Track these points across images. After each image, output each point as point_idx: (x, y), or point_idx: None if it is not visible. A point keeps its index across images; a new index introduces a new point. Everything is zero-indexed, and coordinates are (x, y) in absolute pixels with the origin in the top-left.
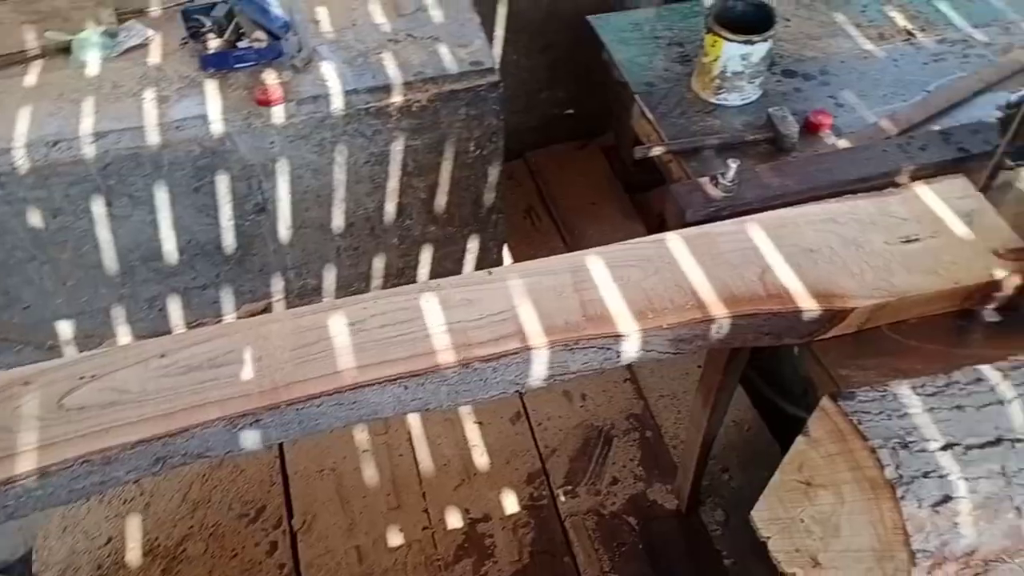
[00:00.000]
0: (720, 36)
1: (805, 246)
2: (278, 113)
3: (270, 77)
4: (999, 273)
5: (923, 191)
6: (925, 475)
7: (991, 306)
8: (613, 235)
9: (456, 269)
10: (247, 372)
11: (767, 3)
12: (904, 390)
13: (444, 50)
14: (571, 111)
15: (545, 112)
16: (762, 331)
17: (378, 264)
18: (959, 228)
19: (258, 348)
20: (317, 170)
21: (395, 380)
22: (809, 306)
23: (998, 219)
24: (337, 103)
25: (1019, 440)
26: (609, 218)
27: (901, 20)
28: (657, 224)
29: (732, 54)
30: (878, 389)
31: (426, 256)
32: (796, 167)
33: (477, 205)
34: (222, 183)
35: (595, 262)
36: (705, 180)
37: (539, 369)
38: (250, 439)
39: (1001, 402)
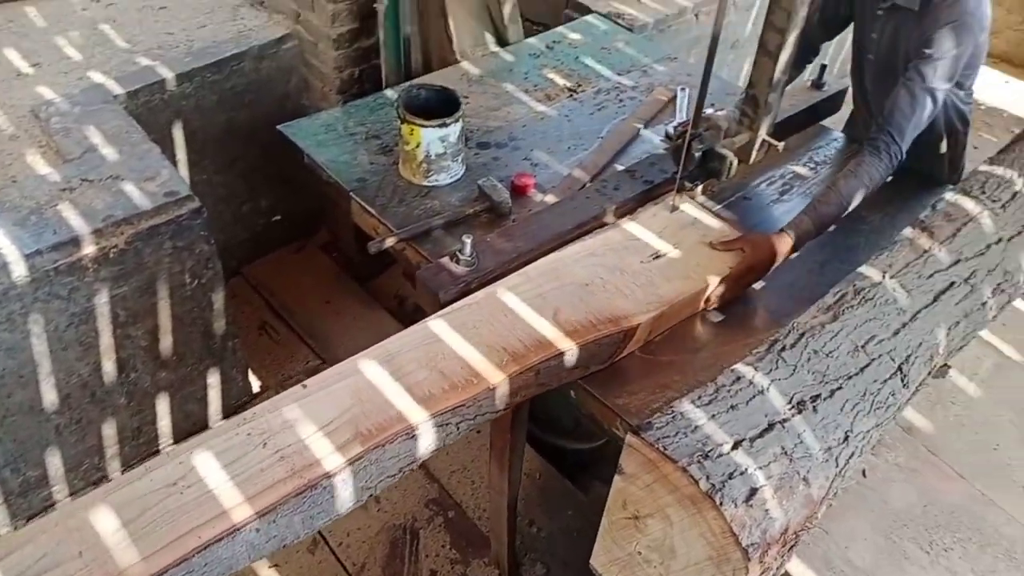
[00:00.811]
0: (415, 124)
1: (580, 282)
2: None
3: None
4: (713, 282)
5: (631, 226)
6: (731, 476)
7: (713, 307)
8: (357, 328)
9: (201, 410)
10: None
11: (446, 87)
12: (687, 406)
13: (130, 187)
14: (278, 217)
15: (252, 223)
16: (572, 367)
17: (108, 431)
18: (690, 238)
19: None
20: (12, 348)
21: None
22: (605, 331)
23: (713, 222)
24: (19, 270)
25: (785, 419)
26: (348, 312)
27: (560, 80)
28: (397, 304)
29: (431, 138)
30: (667, 412)
31: (163, 406)
32: (520, 229)
33: (208, 336)
34: None
35: (368, 365)
36: (446, 260)
37: (345, 496)
38: None
39: (762, 391)
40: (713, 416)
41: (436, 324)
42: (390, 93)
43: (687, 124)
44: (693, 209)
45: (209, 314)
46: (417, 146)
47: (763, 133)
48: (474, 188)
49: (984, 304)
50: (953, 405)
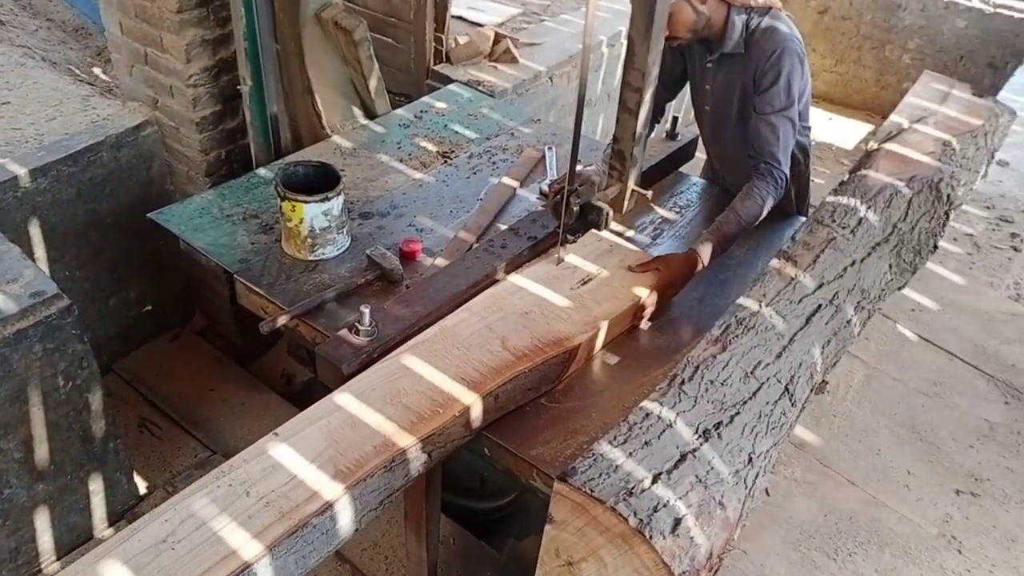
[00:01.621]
0: (297, 200)
1: (520, 311)
2: None
3: None
4: (643, 293)
5: (521, 280)
6: (655, 510)
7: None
8: (246, 413)
9: (84, 520)
10: None
11: (323, 162)
12: (606, 447)
13: None
14: (149, 307)
15: (121, 316)
16: (526, 387)
17: None
18: (609, 263)
19: None
20: None
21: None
22: (551, 352)
23: (627, 248)
24: None
25: (694, 449)
26: (234, 398)
27: (433, 147)
28: (285, 383)
29: (314, 213)
30: (588, 456)
31: (43, 521)
32: (417, 294)
33: (87, 440)
34: None
35: (345, 399)
36: (345, 332)
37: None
38: None
39: (670, 425)
40: (631, 454)
41: (407, 359)
42: (263, 172)
43: (561, 181)
44: (610, 237)
45: (87, 416)
46: (300, 222)
47: (632, 184)
48: (362, 258)
49: (849, 322)
50: (835, 418)
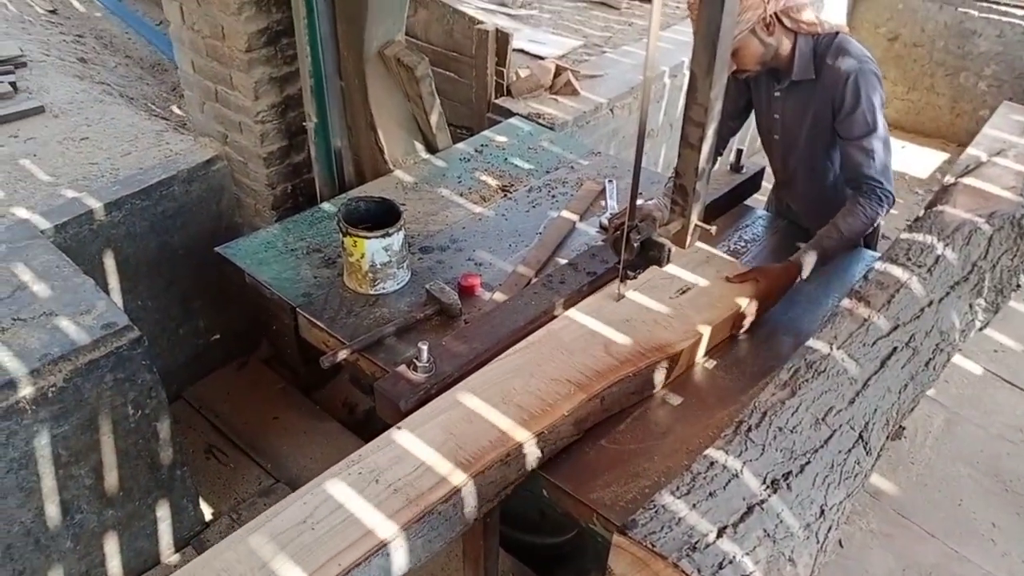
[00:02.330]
0: (358, 236)
1: (622, 318)
2: None
3: None
4: (743, 303)
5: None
6: (720, 566)
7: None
8: (309, 442)
9: (152, 546)
10: None
11: (384, 197)
12: (668, 498)
13: (66, 323)
14: (217, 336)
15: (190, 345)
16: (629, 391)
17: None
18: (707, 274)
19: None
20: None
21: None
22: (654, 358)
23: (725, 260)
24: None
25: (762, 500)
26: (297, 426)
27: (493, 181)
28: (347, 412)
29: (375, 248)
30: (648, 507)
31: (112, 546)
32: (475, 330)
33: (155, 468)
34: None
35: (401, 438)
36: (403, 368)
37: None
38: None
39: (736, 475)
40: (694, 505)
41: (516, 359)
42: (327, 206)
43: (621, 215)
44: (706, 248)
45: (155, 444)
46: (361, 257)
47: (695, 219)
48: (422, 293)
49: (928, 364)
50: (913, 465)
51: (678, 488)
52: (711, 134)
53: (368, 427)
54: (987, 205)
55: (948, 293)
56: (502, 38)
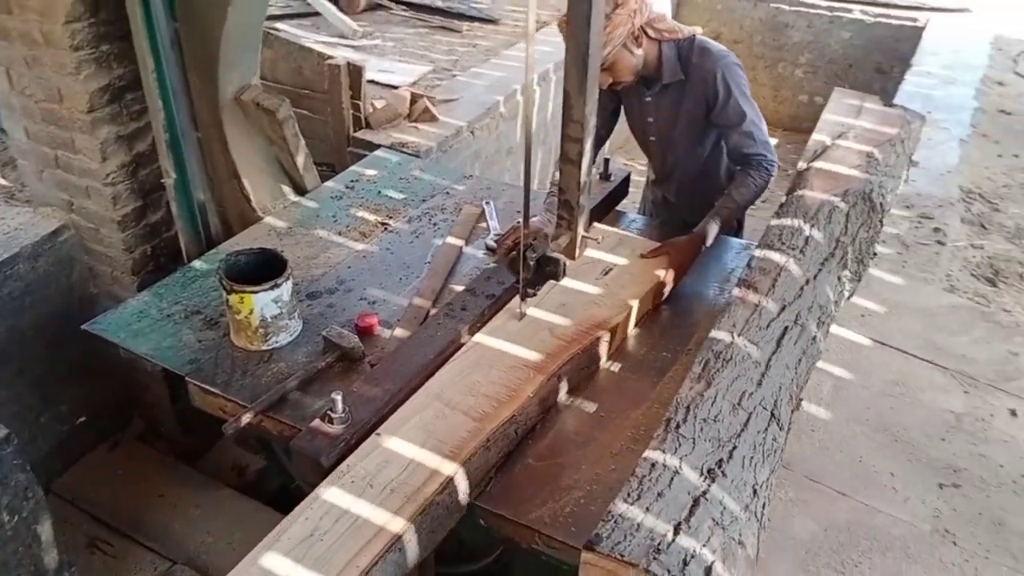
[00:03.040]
0: (245, 292)
1: (559, 303)
2: None
3: None
4: (661, 275)
5: (487, 340)
6: (685, 563)
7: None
8: (202, 515)
9: None
10: None
11: (267, 247)
12: (623, 507)
13: None
14: (83, 418)
15: (53, 433)
16: (580, 366)
17: None
18: (624, 253)
19: None
20: None
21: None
22: (596, 334)
23: (637, 240)
24: None
25: (704, 492)
26: (188, 500)
27: (370, 216)
28: (238, 475)
29: (264, 302)
30: (607, 519)
31: None
32: (384, 371)
33: (40, 574)
34: None
35: (382, 444)
36: (318, 423)
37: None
38: None
39: (677, 471)
40: (647, 509)
41: (473, 356)
42: (199, 264)
43: (508, 235)
44: (617, 231)
45: (37, 550)
46: (250, 313)
47: (582, 231)
48: (318, 341)
49: (814, 338)
50: (813, 432)
51: (628, 495)
52: (588, 149)
53: (263, 488)
54: (839, 185)
55: (820, 270)
56: (355, 71)
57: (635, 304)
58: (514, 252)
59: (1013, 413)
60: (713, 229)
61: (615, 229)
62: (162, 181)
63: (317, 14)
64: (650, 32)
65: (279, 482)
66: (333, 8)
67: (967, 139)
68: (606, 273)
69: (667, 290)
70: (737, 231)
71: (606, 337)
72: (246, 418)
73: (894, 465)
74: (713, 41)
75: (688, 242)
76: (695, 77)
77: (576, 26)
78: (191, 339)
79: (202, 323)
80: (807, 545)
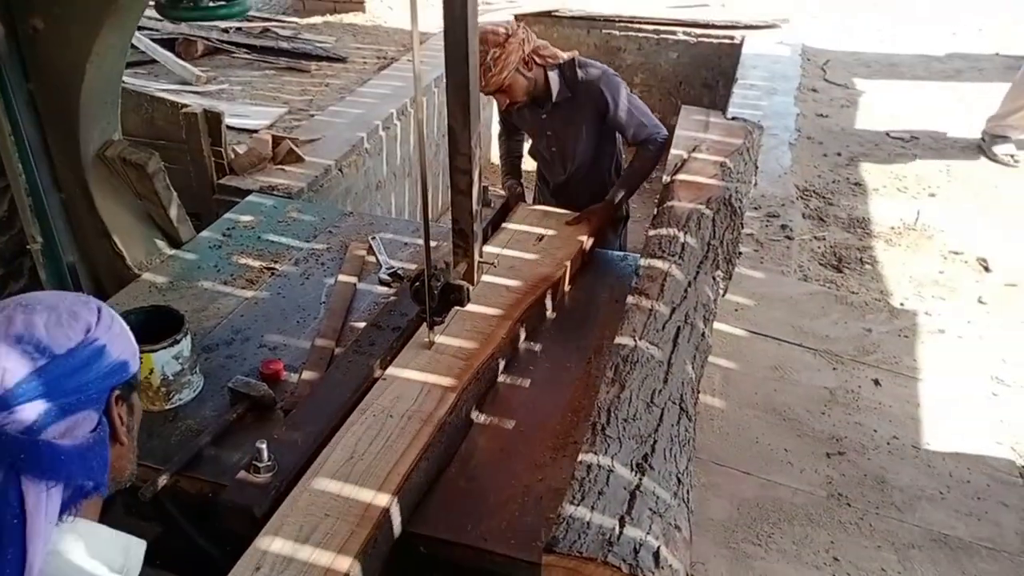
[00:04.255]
0: (143, 351)
1: (508, 266)
2: None
3: None
4: (584, 238)
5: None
6: (636, 551)
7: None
8: None
9: None
10: None
11: (160, 304)
12: (571, 509)
13: None
14: None
15: None
16: (536, 314)
17: None
18: (550, 224)
19: None
20: None
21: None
22: (543, 287)
23: (559, 213)
24: None
25: (638, 485)
26: None
27: (254, 262)
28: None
29: (165, 360)
30: (559, 523)
31: None
32: (303, 416)
33: None
34: None
35: (390, 386)
36: (244, 474)
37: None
38: None
39: (611, 470)
40: (592, 507)
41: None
42: None
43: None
44: (542, 208)
45: None
46: (150, 373)
47: (478, 257)
48: (223, 394)
49: (703, 335)
50: (713, 420)
51: (573, 497)
52: (477, 178)
53: (160, 550)
54: (702, 193)
55: (698, 272)
56: (212, 118)
57: (568, 262)
58: (418, 283)
59: (877, 383)
60: (620, 195)
61: (542, 207)
62: (27, 247)
63: (154, 62)
64: (537, 59)
65: (179, 546)
66: (171, 55)
67: (795, 142)
68: (540, 239)
69: (588, 245)
70: (623, 245)
71: (550, 289)
72: (162, 480)
73: (786, 441)
74: (588, 60)
75: (603, 208)
76: (581, 93)
77: (453, 70)
78: None
79: None
80: (724, 524)
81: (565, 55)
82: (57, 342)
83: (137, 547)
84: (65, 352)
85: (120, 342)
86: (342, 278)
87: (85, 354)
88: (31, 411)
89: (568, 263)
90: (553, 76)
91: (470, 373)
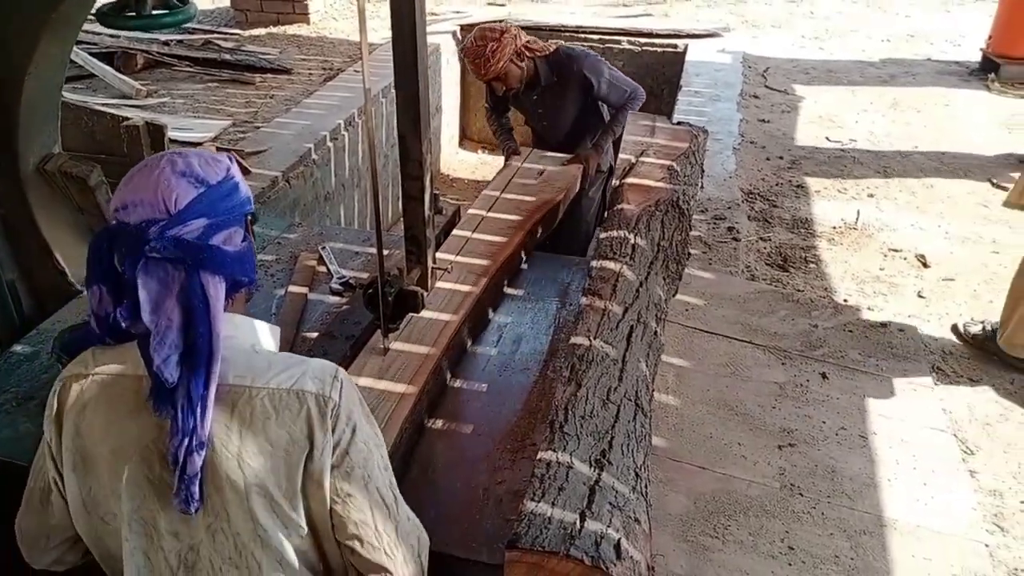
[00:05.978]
0: None
1: (520, 185)
2: None
3: None
4: (577, 174)
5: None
6: (598, 544)
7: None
8: None
9: None
10: None
11: None
12: (532, 505)
13: None
14: None
15: None
16: (546, 225)
17: None
18: (547, 163)
19: None
20: None
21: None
22: (548, 206)
23: (555, 156)
24: None
25: (597, 480)
26: None
27: None
28: None
29: None
30: (521, 520)
31: None
32: None
33: None
34: None
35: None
36: None
37: None
38: None
39: (570, 466)
40: (553, 503)
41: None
42: (20, 348)
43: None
44: (537, 157)
45: None
46: None
47: (431, 263)
48: None
49: (656, 333)
50: (668, 418)
51: (534, 494)
52: (428, 184)
53: None
54: (651, 196)
55: (649, 272)
56: (156, 131)
57: (567, 190)
58: (371, 290)
59: (824, 376)
60: (604, 143)
61: (539, 152)
62: None
63: (93, 76)
64: (527, 51)
65: None
66: (109, 69)
67: (738, 147)
68: (540, 175)
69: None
70: (605, 193)
71: (555, 208)
72: None
73: (739, 435)
74: (569, 45)
75: (592, 152)
76: (567, 74)
77: (402, 84)
78: (30, 426)
79: (37, 408)
80: (682, 517)
81: (551, 47)
82: (210, 175)
83: (275, 331)
84: (216, 183)
85: (244, 184)
86: (292, 289)
87: (228, 186)
88: (199, 224)
89: (566, 191)
90: (541, 64)
91: (499, 260)
